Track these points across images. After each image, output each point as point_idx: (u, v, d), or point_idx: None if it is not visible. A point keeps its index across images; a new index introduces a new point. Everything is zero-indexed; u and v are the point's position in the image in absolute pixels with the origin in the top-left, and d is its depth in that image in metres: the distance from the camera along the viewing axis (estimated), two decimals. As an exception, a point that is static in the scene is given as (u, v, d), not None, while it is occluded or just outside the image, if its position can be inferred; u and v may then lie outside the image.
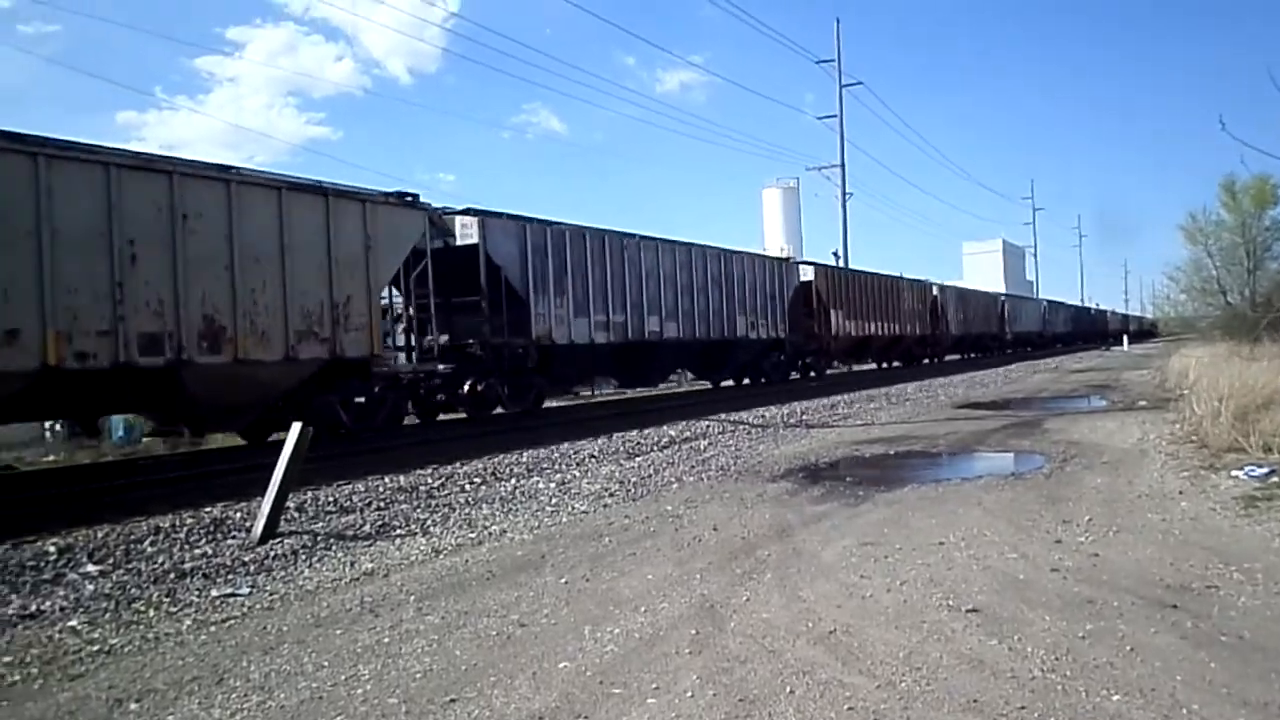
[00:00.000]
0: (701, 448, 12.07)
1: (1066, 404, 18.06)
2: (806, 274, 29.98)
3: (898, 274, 39.76)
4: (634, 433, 13.83)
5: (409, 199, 14.38)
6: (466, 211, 16.56)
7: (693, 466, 10.37)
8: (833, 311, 30.59)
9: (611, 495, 8.67)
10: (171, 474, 11.01)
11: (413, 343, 15.59)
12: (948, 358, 43.73)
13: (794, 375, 29.12)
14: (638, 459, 11.14)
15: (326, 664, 4.23)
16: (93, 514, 8.15)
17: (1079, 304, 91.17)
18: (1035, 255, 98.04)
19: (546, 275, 17.71)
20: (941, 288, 43.64)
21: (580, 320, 18.59)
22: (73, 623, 5.20)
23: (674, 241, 22.42)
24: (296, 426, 7.69)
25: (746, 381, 27.22)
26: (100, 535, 7.34)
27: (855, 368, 36.60)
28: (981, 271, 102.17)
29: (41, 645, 4.79)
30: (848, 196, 44.74)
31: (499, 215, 17.13)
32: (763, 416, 16.12)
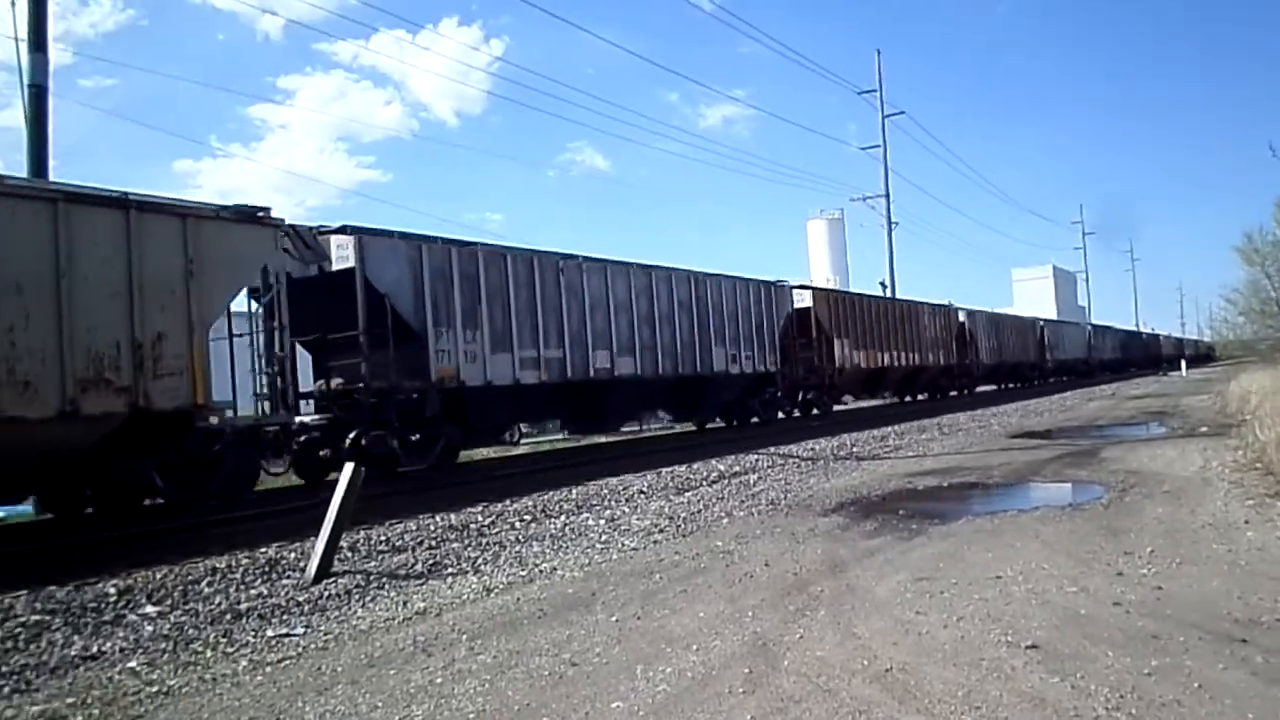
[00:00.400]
0: (751, 482, 11.99)
1: (1124, 431, 17.70)
2: (802, 299, 27.18)
3: (918, 298, 37.21)
4: (682, 468, 13.79)
5: (255, 212, 11.89)
6: (342, 230, 14.04)
7: (742, 501, 10.30)
8: (837, 341, 27.77)
9: (661, 531, 8.64)
10: (227, 515, 11.16)
11: (280, 388, 12.60)
12: (980, 389, 40.85)
13: (793, 413, 26.76)
14: (687, 494, 11.10)
15: (380, 704, 4.24)
16: (152, 555, 8.29)
17: (1129, 328, 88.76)
18: (1086, 280, 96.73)
19: (451, 305, 15.08)
20: (970, 313, 40.23)
21: (501, 357, 15.91)
22: (132, 664, 5.28)
23: (628, 263, 19.52)
24: (349, 467, 7.77)
25: (752, 421, 24.51)
26: (159, 576, 7.46)
27: (872, 402, 34.19)
28: (1031, 298, 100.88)
29: (102, 686, 4.87)
30: (893, 226, 44.58)
31: (386, 233, 14.65)
32: (813, 449, 15.98)
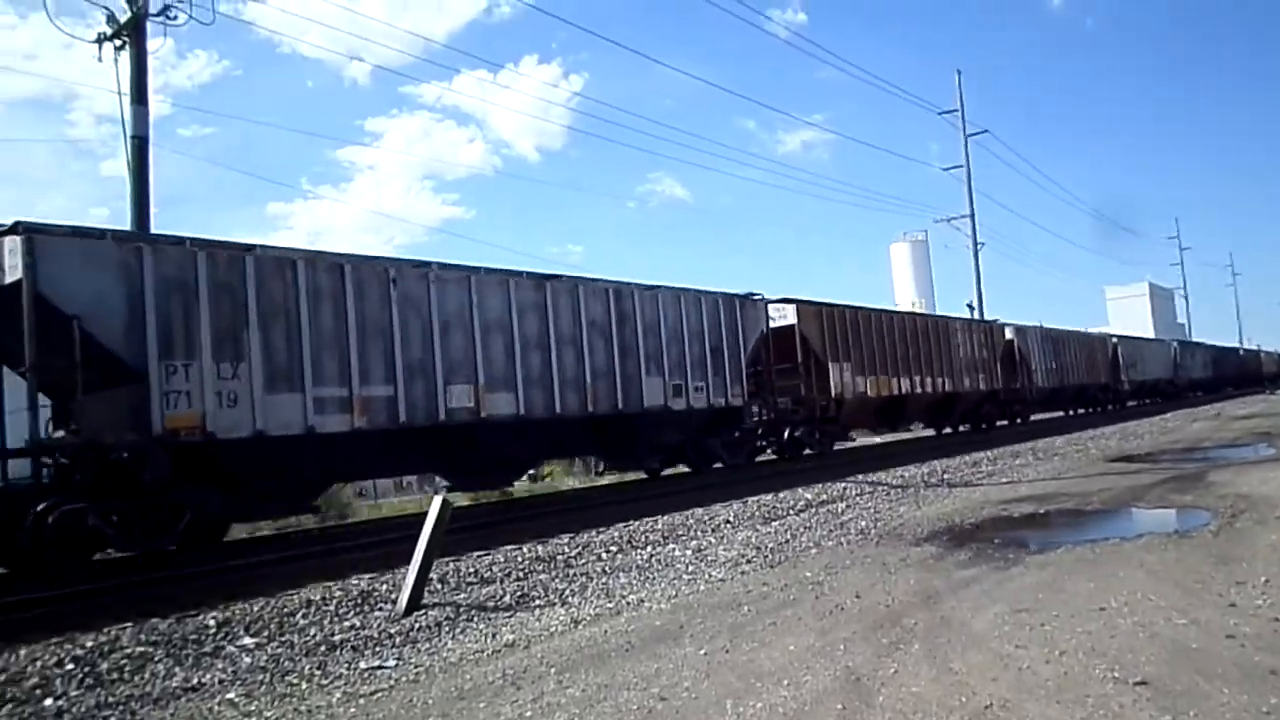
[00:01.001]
0: (839, 510, 11.79)
1: (1230, 453, 16.94)
2: (783, 315, 22.09)
3: (948, 314, 33.01)
4: (769, 496, 13.64)
5: None
6: (12, 229, 9.99)
7: (831, 530, 10.13)
8: (832, 366, 22.71)
9: (749, 562, 8.54)
10: (320, 547, 11.40)
11: None
12: (1038, 416, 35.32)
13: (768, 454, 21.99)
14: (774, 524, 10.96)
15: (471, 739, 4.26)
16: (249, 587, 8.50)
17: (1224, 344, 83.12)
18: (1185, 297, 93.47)
19: (195, 329, 10.92)
20: (1020, 329, 34.49)
21: (282, 398, 11.59)
22: (231, 695, 5.40)
23: (511, 272, 15.05)
24: (438, 499, 7.88)
25: (715, 467, 19.42)
26: (256, 609, 7.63)
27: (895, 436, 30.02)
28: (1127, 317, 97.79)
29: (202, 717, 4.99)
30: (979, 247, 43.75)
31: (89, 232, 10.76)
32: (902, 476, 15.68)
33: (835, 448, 23.73)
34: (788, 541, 9.54)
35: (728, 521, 11.35)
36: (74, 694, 5.61)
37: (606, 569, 8.74)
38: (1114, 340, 45.89)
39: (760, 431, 21.15)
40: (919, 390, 26.50)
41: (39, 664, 6.11)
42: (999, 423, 32.14)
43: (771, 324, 21.04)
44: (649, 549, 9.72)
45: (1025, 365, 33.76)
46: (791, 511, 11.99)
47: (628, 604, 7.11)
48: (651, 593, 7.45)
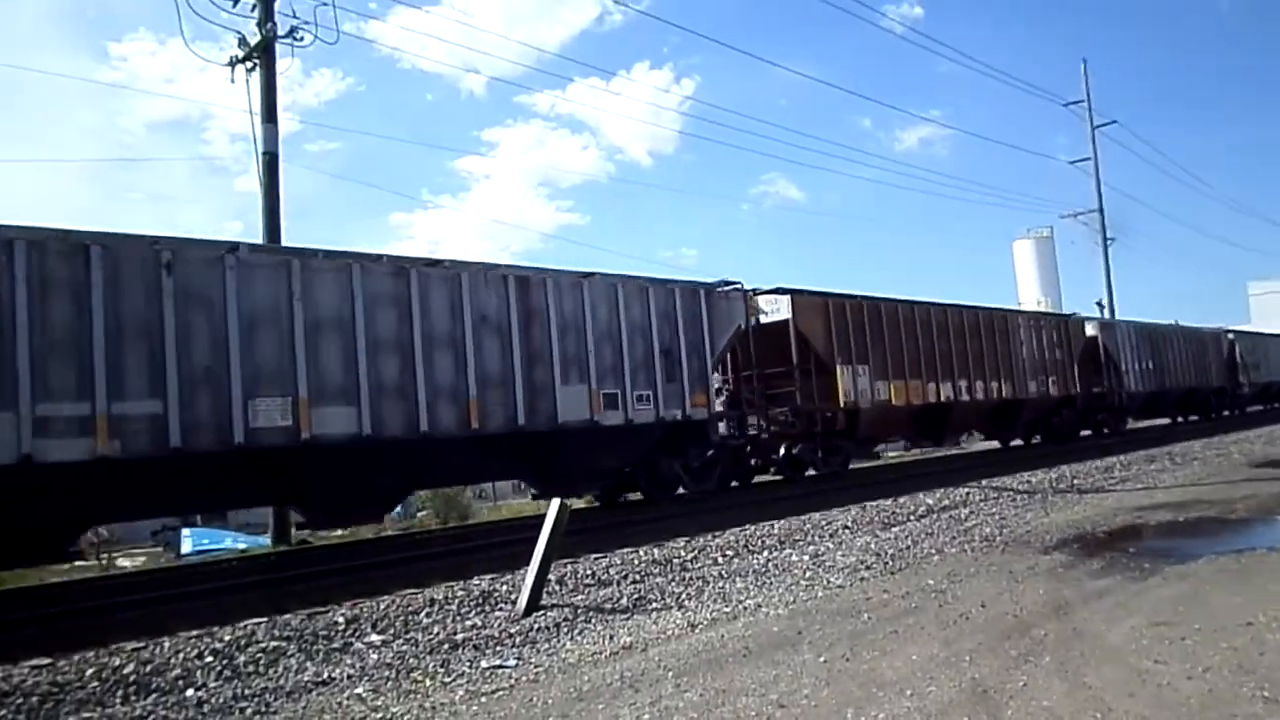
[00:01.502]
0: (962, 516, 11.47)
1: (1392, 460, 15.82)
2: (775, 311, 18.23)
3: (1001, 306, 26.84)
4: (888, 501, 13.35)
5: None
6: None
7: (954, 537, 9.86)
8: (842, 369, 18.43)
9: (868, 568, 8.39)
10: (442, 548, 11.68)
11: None
12: (1133, 424, 30.62)
13: (777, 475, 18.85)
14: (894, 529, 10.74)
15: (590, 740, 4.29)
16: (375, 586, 8.76)
17: None
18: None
19: None
20: (1106, 324, 29.59)
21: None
22: (359, 690, 5.57)
23: (354, 255, 12.14)
24: (556, 502, 7.99)
25: (681, 493, 15.94)
26: (382, 606, 7.85)
27: (941, 451, 26.62)
28: (1272, 314, 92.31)
29: (332, 711, 5.16)
30: (1109, 242, 42.05)
31: None
32: (1028, 481, 15.15)
33: (852, 466, 19.93)
34: (908, 548, 9.33)
35: (846, 527, 11.16)
36: (213, 685, 5.87)
37: (723, 573, 8.70)
38: (1230, 336, 38.88)
39: (749, 449, 17.94)
40: (965, 397, 21.67)
41: (181, 656, 6.41)
42: (1083, 432, 27.51)
43: (762, 319, 17.75)
44: (765, 554, 9.64)
45: (1113, 366, 28.37)
46: (912, 517, 11.72)
47: (745, 609, 7.06)
48: (769, 598, 7.38)
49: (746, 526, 11.44)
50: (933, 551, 9.03)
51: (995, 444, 26.94)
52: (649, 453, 15.16)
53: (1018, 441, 26.75)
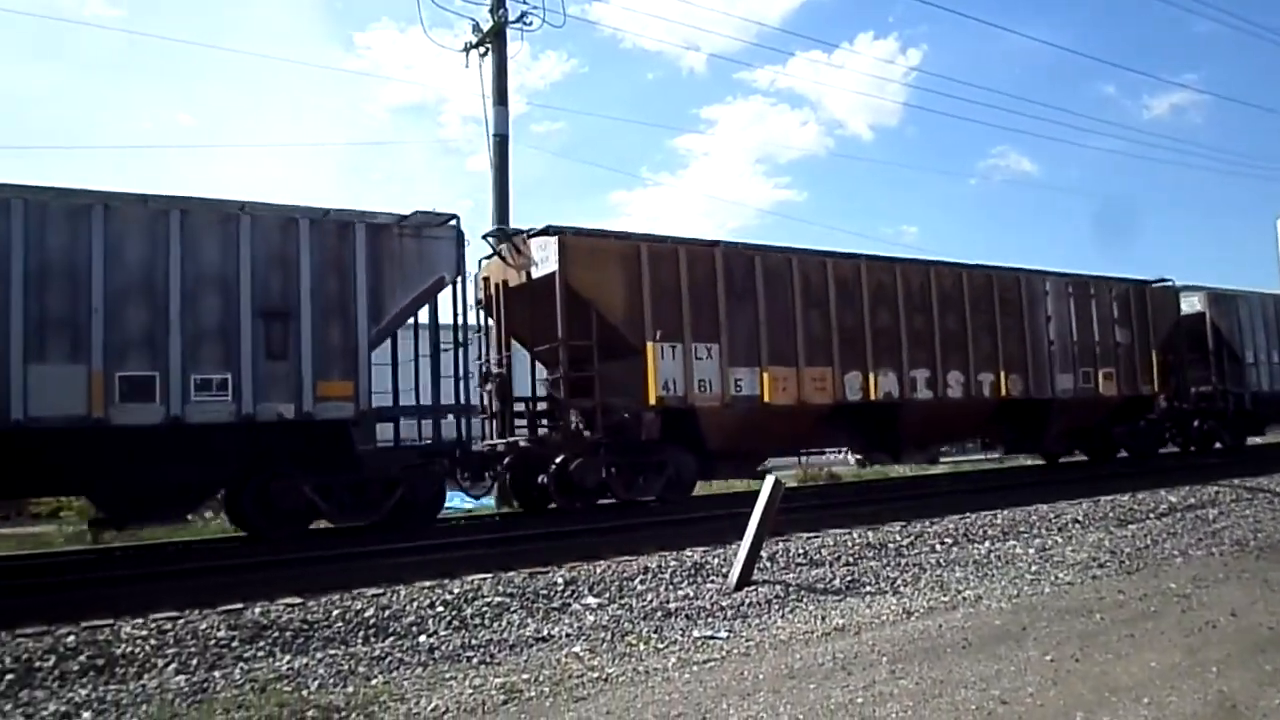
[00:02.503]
0: (1210, 517, 10.58)
1: None
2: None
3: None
4: (1125, 497, 12.48)
5: None
6: None
7: (1200, 539, 9.13)
8: (659, 349, 12.44)
9: (1101, 566, 7.90)
10: (655, 519, 11.85)
11: None
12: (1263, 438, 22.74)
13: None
14: (1131, 526, 10.04)
15: (801, 717, 4.27)
16: (591, 551, 9.04)
17: None
18: None
19: None
20: (1218, 297, 20.17)
21: None
22: (576, 649, 5.80)
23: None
24: (770, 479, 7.97)
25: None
26: (598, 571, 8.10)
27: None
28: None
29: (551, 667, 5.39)
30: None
31: None
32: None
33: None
34: (1147, 547, 8.73)
35: (1076, 521, 10.53)
36: (443, 633, 6.26)
37: (941, 561, 8.42)
38: None
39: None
40: (930, 393, 15.03)
41: (414, 604, 6.86)
42: (1165, 449, 19.89)
43: (533, 273, 12.93)
44: (987, 544, 9.25)
45: (1230, 355, 19.83)
46: (1152, 515, 10.92)
47: (964, 599, 6.82)
48: (990, 590, 7.10)
49: (967, 515, 11.00)
50: (1175, 553, 8.43)
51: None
52: (242, 470, 10.27)
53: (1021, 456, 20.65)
